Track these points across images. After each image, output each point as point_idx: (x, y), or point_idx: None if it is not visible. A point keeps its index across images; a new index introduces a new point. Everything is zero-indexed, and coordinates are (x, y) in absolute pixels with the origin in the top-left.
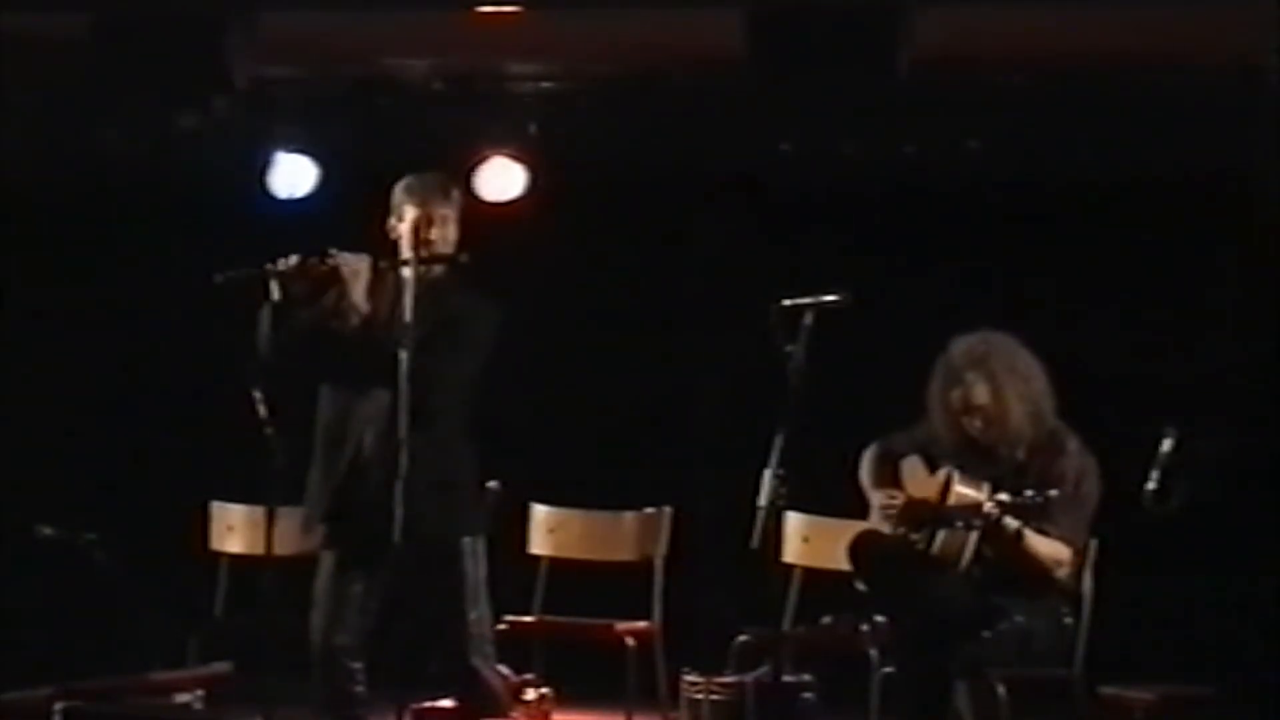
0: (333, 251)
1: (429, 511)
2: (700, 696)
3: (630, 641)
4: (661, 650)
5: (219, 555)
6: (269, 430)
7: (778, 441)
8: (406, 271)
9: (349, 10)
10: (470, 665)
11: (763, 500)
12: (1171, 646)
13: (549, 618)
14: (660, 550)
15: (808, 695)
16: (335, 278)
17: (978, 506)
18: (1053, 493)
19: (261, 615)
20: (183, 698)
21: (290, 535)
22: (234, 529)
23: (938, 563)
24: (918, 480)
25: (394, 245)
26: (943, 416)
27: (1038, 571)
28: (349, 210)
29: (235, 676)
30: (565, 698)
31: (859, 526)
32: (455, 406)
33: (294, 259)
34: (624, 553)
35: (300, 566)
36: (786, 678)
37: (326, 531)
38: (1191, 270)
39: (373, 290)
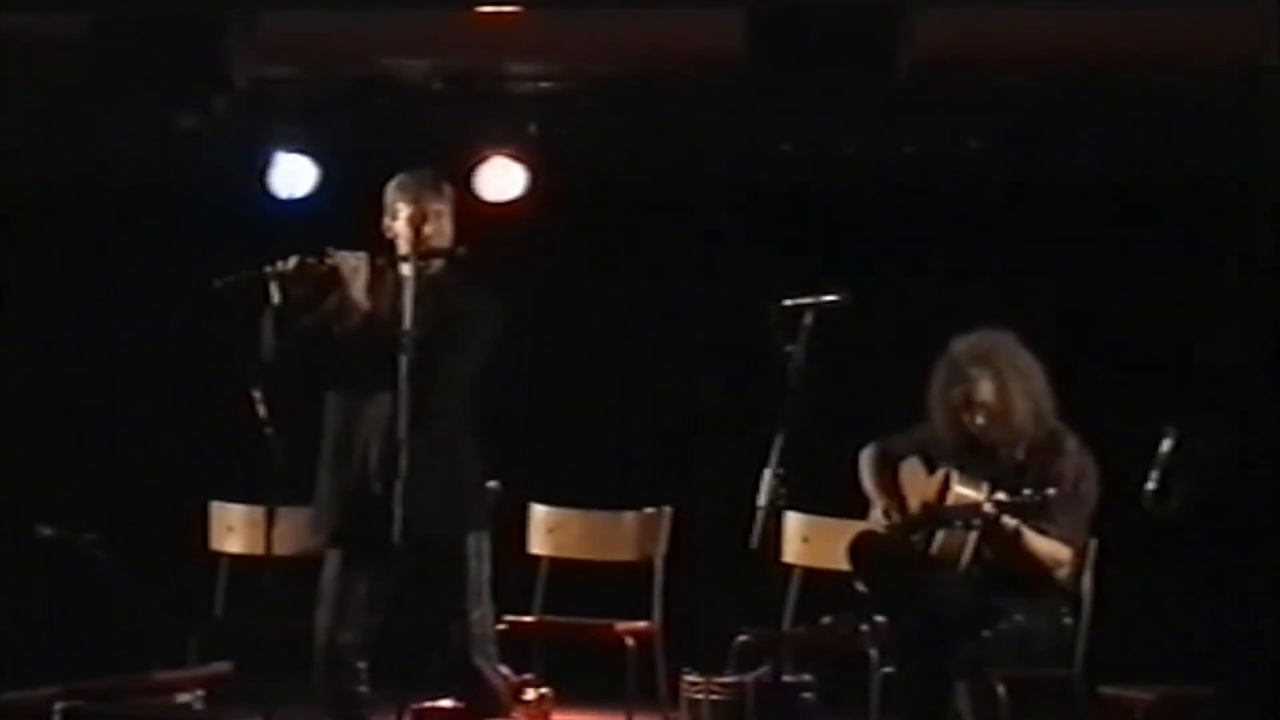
0: (330, 250)
1: (433, 509)
2: (700, 696)
3: (630, 641)
4: (661, 650)
5: (219, 555)
6: (269, 430)
7: (778, 441)
8: (406, 269)
9: (349, 10)
10: (472, 665)
11: (763, 500)
12: (1171, 646)
13: (549, 618)
14: (660, 550)
15: (808, 695)
16: (335, 277)
17: (976, 506)
18: (1051, 491)
19: (262, 615)
20: (183, 698)
21: (290, 535)
22: (234, 529)
23: (937, 563)
24: (916, 481)
25: (391, 245)
26: (944, 414)
27: (1037, 571)
28: (349, 210)
29: (235, 676)
30: (565, 698)
31: (859, 526)
32: (459, 403)
33: (292, 260)
34: (624, 553)
35: (300, 566)
36: (786, 678)
37: (334, 529)
38: (1191, 270)
39: (372, 289)
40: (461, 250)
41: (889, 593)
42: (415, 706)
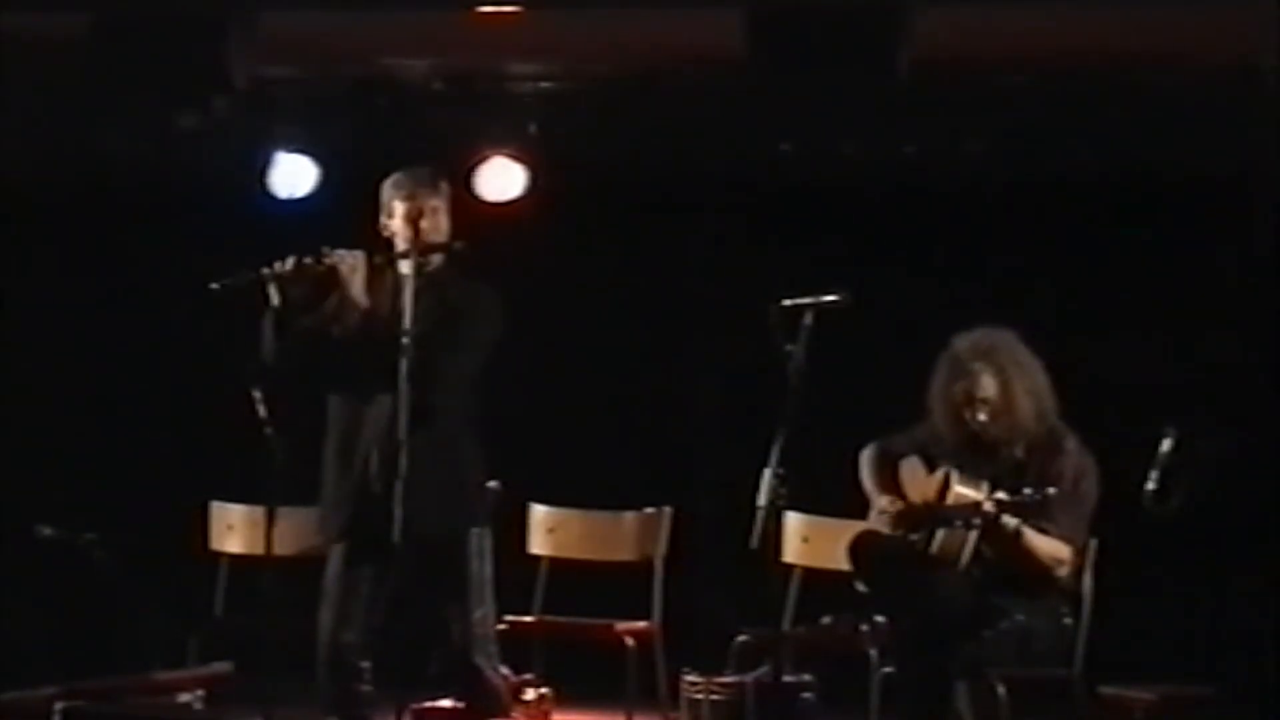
0: (327, 250)
1: (435, 508)
2: (700, 696)
3: (630, 641)
4: (661, 650)
5: (219, 555)
6: (269, 430)
7: (778, 441)
8: (404, 267)
9: (349, 10)
10: (473, 664)
11: (763, 500)
12: (1171, 646)
13: (549, 618)
14: (660, 550)
15: (808, 695)
16: (333, 277)
17: (976, 505)
18: (1051, 490)
19: (262, 615)
20: (183, 698)
21: (290, 535)
22: (234, 529)
23: (937, 563)
24: (917, 481)
25: (388, 243)
26: (946, 411)
27: (1037, 571)
28: (349, 210)
29: (235, 676)
30: (565, 698)
31: (859, 526)
32: (459, 401)
33: (290, 261)
34: (624, 553)
35: (300, 566)
36: (786, 678)
37: (338, 529)
38: (1191, 270)
39: (371, 288)
40: (459, 245)
41: (889, 593)
42: (416, 706)
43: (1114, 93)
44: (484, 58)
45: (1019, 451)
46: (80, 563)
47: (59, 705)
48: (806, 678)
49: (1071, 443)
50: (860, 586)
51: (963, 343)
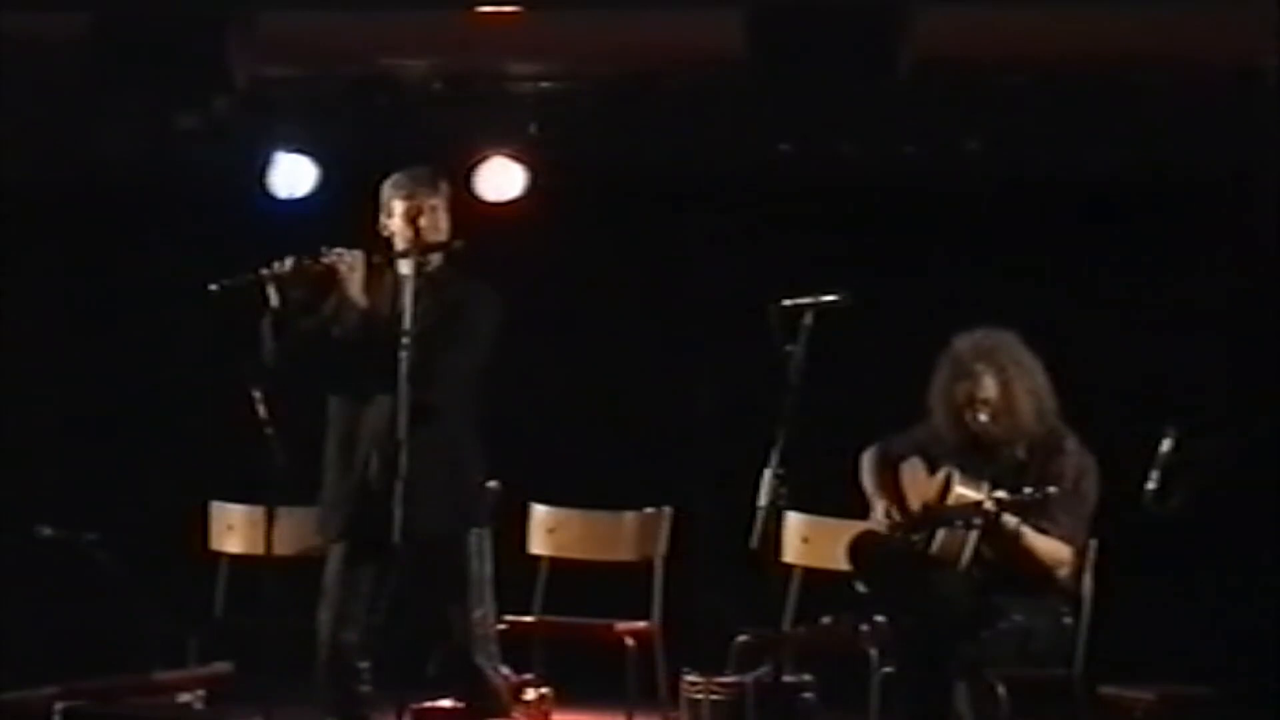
0: (325, 249)
1: (435, 508)
2: (700, 696)
3: (630, 641)
4: (661, 650)
5: (219, 555)
6: (269, 430)
7: (778, 441)
8: (404, 267)
9: (349, 10)
10: (473, 664)
11: (763, 500)
12: (1171, 646)
13: (549, 618)
14: (660, 550)
15: (808, 695)
16: (332, 277)
17: (977, 505)
18: (1051, 490)
19: (261, 615)
20: (183, 698)
21: (290, 535)
22: (234, 529)
23: (937, 563)
24: (918, 483)
25: (388, 243)
26: (946, 411)
27: (1037, 571)
28: (349, 210)
29: (235, 676)
30: (565, 698)
31: (859, 526)
32: (460, 401)
33: (289, 261)
34: (624, 553)
35: (300, 566)
36: (786, 678)
37: (339, 529)
38: (1191, 270)
39: (370, 287)
40: (458, 244)
41: (889, 593)
42: (416, 706)
43: (1114, 93)
44: (484, 58)
45: (1020, 452)
46: (80, 563)
47: (59, 705)
48: (806, 678)
49: (1072, 443)
50: (860, 587)
51: (963, 343)
